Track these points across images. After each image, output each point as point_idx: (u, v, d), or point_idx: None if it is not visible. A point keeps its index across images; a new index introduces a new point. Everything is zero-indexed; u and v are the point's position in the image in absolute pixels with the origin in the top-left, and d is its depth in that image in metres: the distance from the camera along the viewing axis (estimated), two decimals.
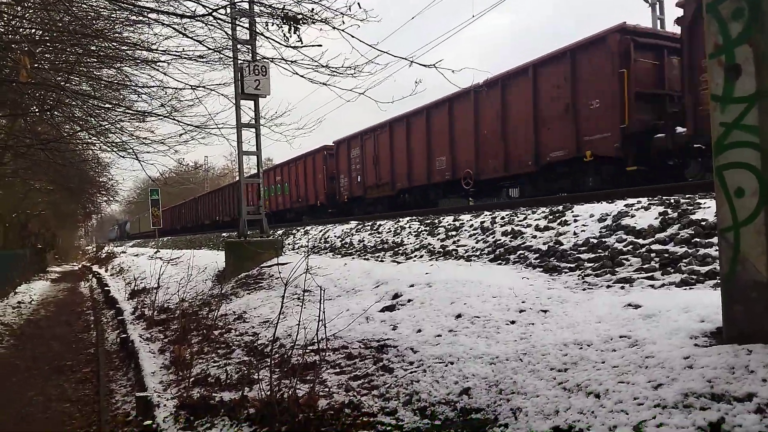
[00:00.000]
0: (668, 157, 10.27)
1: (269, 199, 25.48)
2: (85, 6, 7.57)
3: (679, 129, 9.67)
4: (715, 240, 4.99)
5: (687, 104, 9.54)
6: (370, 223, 12.34)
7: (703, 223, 5.30)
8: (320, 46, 5.16)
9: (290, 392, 4.01)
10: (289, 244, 14.43)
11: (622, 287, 4.73)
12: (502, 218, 8.21)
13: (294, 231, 16.49)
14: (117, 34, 8.68)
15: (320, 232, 14.09)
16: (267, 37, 5.26)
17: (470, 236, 8.26)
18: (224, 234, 23.26)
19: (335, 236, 12.70)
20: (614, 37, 10.24)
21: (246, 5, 6.81)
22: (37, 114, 11.87)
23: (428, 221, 10.09)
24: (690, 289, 4.34)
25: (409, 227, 10.29)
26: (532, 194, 12.40)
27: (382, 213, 16.06)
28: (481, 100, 13.34)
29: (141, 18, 6.69)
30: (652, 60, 10.46)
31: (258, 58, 10.36)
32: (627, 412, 2.65)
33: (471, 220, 8.90)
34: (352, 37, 4.64)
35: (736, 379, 2.53)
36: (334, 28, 4.86)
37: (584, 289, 4.94)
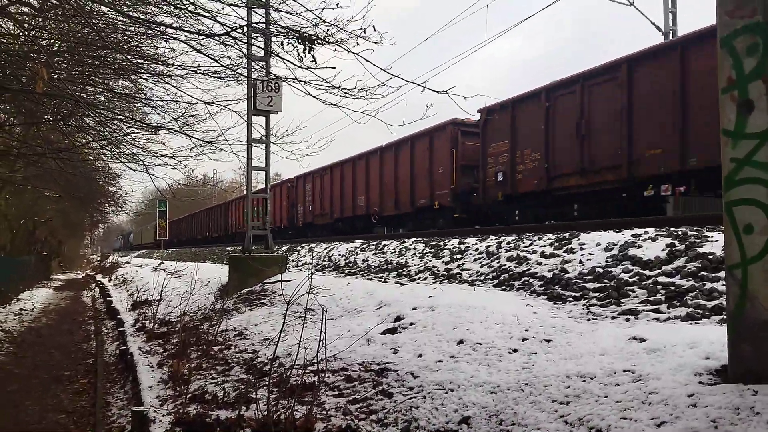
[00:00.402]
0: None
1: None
2: (104, 19, 7.69)
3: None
4: (722, 274, 4.94)
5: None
6: (374, 243, 12.32)
7: (711, 257, 5.25)
8: (334, 68, 5.21)
9: (288, 413, 3.96)
10: (293, 260, 14.42)
11: (627, 319, 4.68)
12: (508, 243, 8.18)
13: (298, 248, 16.49)
14: (134, 47, 8.81)
15: (325, 250, 14.08)
16: (281, 58, 5.32)
17: (475, 260, 8.22)
18: (229, 248, 23.34)
19: (339, 255, 12.68)
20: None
21: (263, 25, 6.90)
22: (51, 123, 12.01)
23: (433, 243, 10.06)
24: (696, 323, 4.28)
25: (414, 249, 10.27)
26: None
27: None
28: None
29: (159, 32, 6.79)
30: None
31: (272, 77, 10.48)
32: None
33: (476, 243, 8.87)
34: (366, 60, 4.69)
35: (741, 420, 2.48)
36: (348, 51, 4.91)
37: (589, 320, 4.88)
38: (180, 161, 10.68)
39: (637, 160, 10.51)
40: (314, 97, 5.79)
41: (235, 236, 30.88)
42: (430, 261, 9.12)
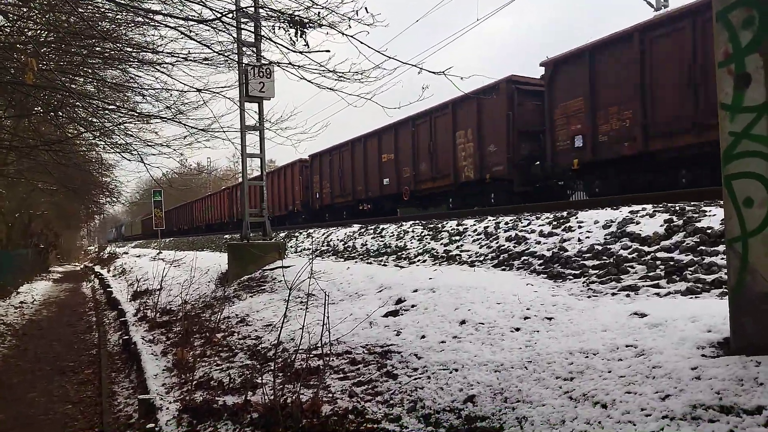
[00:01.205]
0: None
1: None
2: (91, 8, 7.57)
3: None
4: (721, 248, 4.98)
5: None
6: (373, 227, 12.33)
7: (709, 231, 5.28)
8: (328, 51, 5.15)
9: (294, 397, 3.99)
10: (291, 247, 14.43)
11: (628, 295, 4.71)
12: (506, 223, 8.19)
13: (296, 234, 16.49)
14: (122, 36, 8.69)
15: (323, 235, 14.09)
16: (274, 42, 5.26)
17: (474, 241, 8.24)
18: (227, 236, 23.32)
19: (338, 240, 12.69)
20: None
21: (253, 9, 6.81)
22: (42, 114, 11.89)
23: (431, 226, 10.08)
24: (696, 297, 4.31)
25: (413, 231, 10.28)
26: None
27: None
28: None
29: (148, 20, 6.69)
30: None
31: (265, 62, 10.37)
32: (634, 423, 2.64)
33: (474, 225, 8.89)
34: (361, 42, 4.63)
35: (745, 391, 2.51)
36: (342, 33, 4.85)
37: (589, 297, 4.92)
38: (175, 149, 10.62)
39: None
40: (309, 81, 5.74)
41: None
42: (429, 243, 9.14)
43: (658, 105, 10.11)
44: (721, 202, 6.16)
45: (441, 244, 8.83)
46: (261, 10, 6.56)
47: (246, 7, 6.47)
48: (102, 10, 7.83)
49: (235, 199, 30.71)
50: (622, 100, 10.68)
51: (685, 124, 9.64)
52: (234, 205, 30.87)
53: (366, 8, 4.89)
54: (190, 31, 5.65)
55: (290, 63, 5.43)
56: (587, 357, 3.51)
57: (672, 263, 5.03)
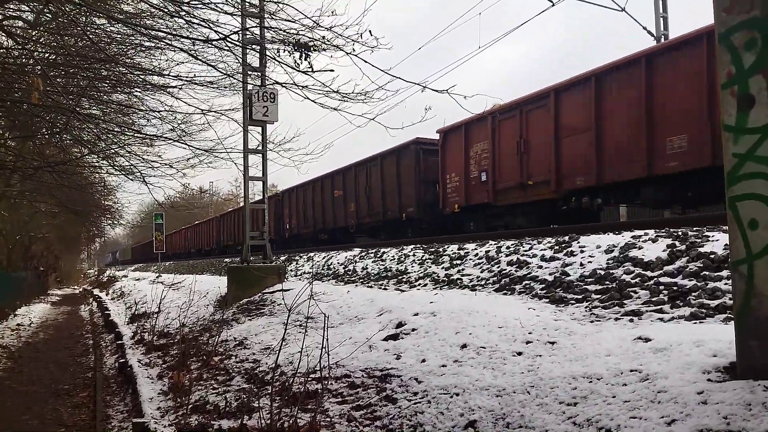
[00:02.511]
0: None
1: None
2: (99, 31, 7.69)
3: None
4: (724, 273, 4.93)
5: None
6: (374, 251, 12.28)
7: (712, 256, 5.24)
8: (332, 71, 5.21)
9: (291, 421, 3.91)
10: (291, 270, 14.36)
11: (631, 320, 4.65)
12: (507, 248, 8.15)
13: (297, 257, 16.43)
14: (129, 59, 8.81)
15: (323, 258, 14.03)
16: (279, 62, 5.31)
17: (475, 265, 8.19)
18: (227, 259, 23.27)
19: (338, 263, 12.64)
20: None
21: (258, 30, 6.90)
22: (46, 136, 11.98)
23: (432, 250, 10.04)
24: (700, 323, 4.26)
25: (413, 255, 10.23)
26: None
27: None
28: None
29: (155, 43, 6.78)
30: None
31: (270, 82, 10.47)
32: None
33: (476, 249, 8.85)
34: (365, 62, 4.69)
35: (754, 416, 2.45)
36: (347, 53, 4.91)
37: (592, 321, 4.86)
38: (178, 170, 10.65)
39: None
40: (313, 101, 5.79)
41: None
42: (430, 267, 9.09)
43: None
44: (725, 227, 6.14)
45: (442, 268, 8.77)
46: (267, 33, 6.65)
47: (250, 27, 6.55)
48: (110, 33, 7.96)
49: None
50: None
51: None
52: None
53: (370, 31, 4.97)
54: (197, 53, 5.72)
55: (294, 83, 5.49)
56: (591, 382, 3.44)
57: (675, 288, 4.98)
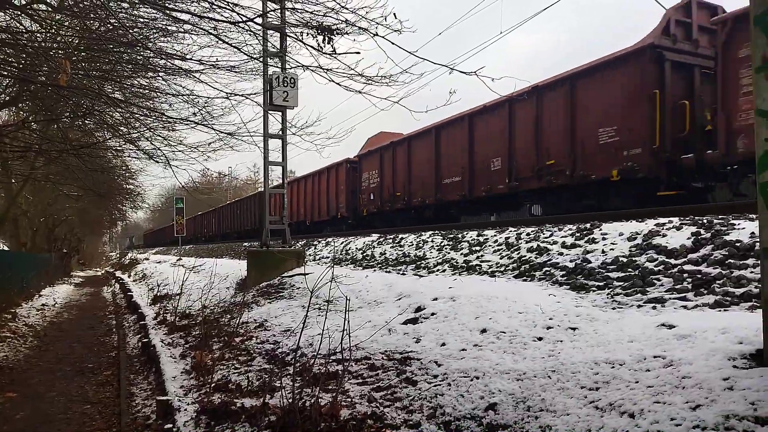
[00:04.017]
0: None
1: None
2: (123, 14, 7.74)
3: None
4: (750, 262, 4.85)
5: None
6: (392, 236, 12.30)
7: (738, 245, 5.16)
8: (358, 53, 5.19)
9: (312, 401, 3.96)
10: (310, 255, 14.46)
11: (654, 307, 4.61)
12: (528, 234, 8.11)
13: (315, 242, 16.52)
14: (152, 44, 8.86)
15: (342, 244, 14.10)
16: (303, 43, 5.30)
17: (494, 252, 8.16)
18: (246, 243, 23.49)
19: (356, 248, 12.69)
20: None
21: (279, 14, 6.87)
22: (71, 120, 12.15)
23: (451, 236, 10.02)
24: (725, 310, 4.21)
25: (432, 241, 10.23)
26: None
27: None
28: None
29: (179, 26, 6.81)
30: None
31: (294, 65, 10.44)
32: None
33: (495, 235, 8.81)
34: (392, 44, 4.64)
35: None
36: (373, 36, 4.87)
37: (614, 308, 4.82)
38: (202, 153, 10.73)
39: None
40: (338, 83, 5.77)
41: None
42: (449, 253, 9.08)
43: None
44: (751, 216, 6.03)
45: (461, 254, 8.76)
46: (290, 17, 6.63)
47: (274, 10, 6.54)
48: (134, 16, 8.00)
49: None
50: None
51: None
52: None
53: (395, 14, 4.92)
54: (220, 35, 5.74)
55: (320, 66, 5.47)
56: (613, 367, 3.42)
57: (699, 276, 4.92)
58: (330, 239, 16.20)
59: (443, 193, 15.82)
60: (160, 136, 11.13)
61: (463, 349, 4.52)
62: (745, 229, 5.46)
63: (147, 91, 10.24)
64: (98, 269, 52.03)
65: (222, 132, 9.14)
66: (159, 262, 28.90)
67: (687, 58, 10.27)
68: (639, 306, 4.73)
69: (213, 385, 5.22)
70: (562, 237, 7.38)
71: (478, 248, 8.65)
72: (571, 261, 6.49)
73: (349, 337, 4.71)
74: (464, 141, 14.80)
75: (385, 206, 18.89)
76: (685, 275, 5.05)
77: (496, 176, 13.57)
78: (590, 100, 11.10)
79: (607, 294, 5.28)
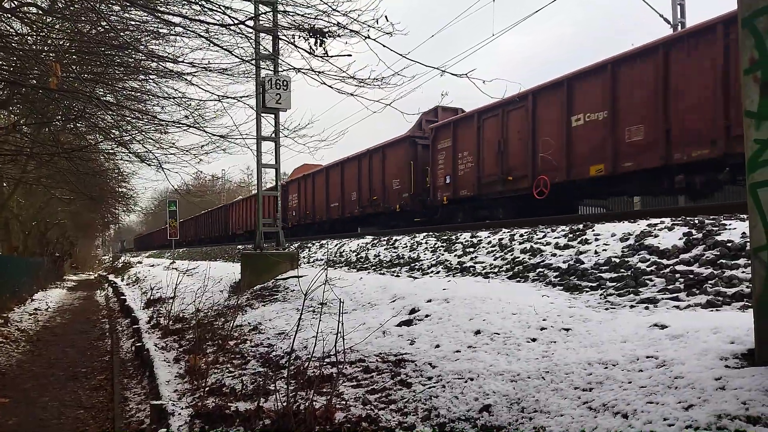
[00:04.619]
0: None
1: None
2: (114, 17, 7.71)
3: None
4: (741, 262, 4.89)
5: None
6: (386, 239, 12.30)
7: (729, 245, 5.20)
8: (350, 55, 5.19)
9: (307, 404, 3.96)
10: (304, 257, 14.44)
11: (647, 307, 4.64)
12: (521, 236, 8.14)
13: (309, 245, 16.51)
14: (143, 46, 8.83)
15: (336, 246, 14.09)
16: (295, 46, 5.30)
17: (488, 253, 8.18)
18: (240, 246, 23.44)
19: (350, 250, 12.68)
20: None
21: (271, 17, 6.87)
22: (62, 123, 12.08)
23: (445, 237, 10.03)
24: (716, 310, 4.24)
25: (426, 243, 10.24)
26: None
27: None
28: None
29: (170, 29, 6.80)
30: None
31: (286, 68, 10.44)
32: None
33: (489, 237, 8.84)
34: (383, 46, 4.66)
35: None
36: (364, 38, 4.88)
37: (607, 309, 4.85)
38: (195, 156, 10.71)
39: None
40: (329, 86, 5.78)
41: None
42: (443, 255, 9.10)
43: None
44: (742, 216, 6.07)
45: (455, 255, 8.78)
46: (282, 19, 6.63)
47: (265, 13, 6.53)
48: (125, 19, 7.97)
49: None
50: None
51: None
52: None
53: (386, 17, 4.93)
54: (211, 38, 5.73)
55: (311, 69, 5.48)
56: (606, 368, 3.44)
57: (692, 276, 4.95)
58: (324, 241, 16.18)
59: (330, 213, 22.42)
60: (152, 139, 11.10)
61: (457, 351, 4.53)
62: (736, 229, 5.50)
63: (139, 94, 10.21)
64: (91, 273, 51.71)
65: (214, 135, 9.14)
66: (152, 265, 28.77)
67: (428, 142, 16.39)
68: (632, 306, 4.76)
69: (207, 388, 5.20)
70: (555, 238, 7.41)
71: (471, 250, 8.67)
72: (564, 262, 6.51)
73: (343, 339, 4.71)
74: (337, 180, 21.72)
75: (301, 221, 25.12)
76: (678, 275, 5.08)
77: (355, 204, 20.45)
78: (389, 163, 18.30)
79: (600, 294, 5.31)
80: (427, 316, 5.65)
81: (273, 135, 11.46)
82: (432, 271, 8.55)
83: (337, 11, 5.26)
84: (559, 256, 6.77)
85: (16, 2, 8.84)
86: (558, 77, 11.92)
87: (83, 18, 8.15)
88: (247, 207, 31.19)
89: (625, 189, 11.53)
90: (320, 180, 23.23)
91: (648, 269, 5.44)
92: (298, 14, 5.57)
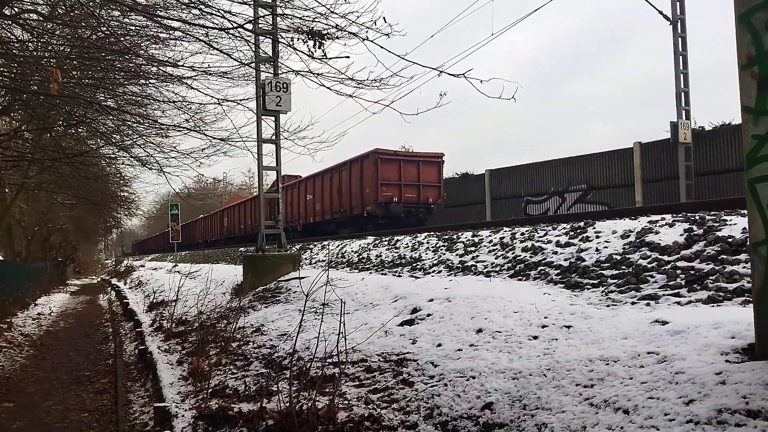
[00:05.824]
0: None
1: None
2: (114, 22, 7.74)
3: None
4: (742, 257, 4.89)
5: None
6: (387, 239, 12.31)
7: (730, 240, 5.19)
8: (348, 57, 5.20)
9: (309, 404, 3.97)
10: (306, 259, 14.45)
11: (648, 304, 4.64)
12: (522, 234, 8.14)
13: (311, 246, 16.52)
14: (144, 51, 8.86)
15: (337, 247, 14.10)
16: (294, 49, 5.32)
17: (489, 252, 8.19)
18: (242, 248, 23.48)
19: (352, 251, 12.69)
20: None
21: (271, 19, 6.89)
22: (63, 128, 12.13)
23: (446, 237, 10.04)
24: (717, 306, 4.24)
25: (427, 243, 10.25)
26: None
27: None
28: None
29: (170, 33, 6.82)
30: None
31: (285, 70, 10.48)
32: (658, 428, 2.58)
33: (490, 236, 8.84)
34: (381, 48, 4.67)
35: None
36: (362, 40, 4.90)
37: (608, 306, 4.85)
38: (195, 159, 10.74)
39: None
40: (328, 88, 5.80)
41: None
42: (444, 254, 9.10)
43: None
44: (743, 212, 6.07)
45: (456, 255, 8.78)
46: (281, 22, 6.65)
47: (264, 16, 6.56)
48: (125, 24, 8.00)
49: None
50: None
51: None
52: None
53: (384, 18, 4.95)
54: (211, 42, 5.75)
55: (310, 71, 5.49)
56: (608, 364, 3.45)
57: (693, 272, 4.95)
58: (326, 243, 16.20)
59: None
60: (153, 143, 11.13)
61: (459, 350, 4.54)
62: (736, 225, 5.50)
63: (139, 99, 10.24)
64: (94, 277, 51.82)
65: (215, 138, 9.17)
66: (155, 269, 28.82)
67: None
68: (633, 303, 4.76)
69: (210, 390, 5.22)
70: (557, 236, 7.41)
71: (473, 249, 8.67)
72: (565, 260, 6.51)
73: (345, 339, 4.72)
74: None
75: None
76: (679, 271, 5.08)
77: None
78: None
79: (602, 292, 5.31)
80: (428, 315, 5.66)
81: (273, 137, 11.48)
82: (434, 271, 8.55)
83: (336, 13, 5.29)
84: (561, 253, 6.77)
85: (16, 9, 8.89)
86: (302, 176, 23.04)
87: (83, 24, 8.18)
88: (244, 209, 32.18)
89: (324, 228, 22.54)
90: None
91: (649, 266, 5.44)
92: (297, 17, 5.60)
